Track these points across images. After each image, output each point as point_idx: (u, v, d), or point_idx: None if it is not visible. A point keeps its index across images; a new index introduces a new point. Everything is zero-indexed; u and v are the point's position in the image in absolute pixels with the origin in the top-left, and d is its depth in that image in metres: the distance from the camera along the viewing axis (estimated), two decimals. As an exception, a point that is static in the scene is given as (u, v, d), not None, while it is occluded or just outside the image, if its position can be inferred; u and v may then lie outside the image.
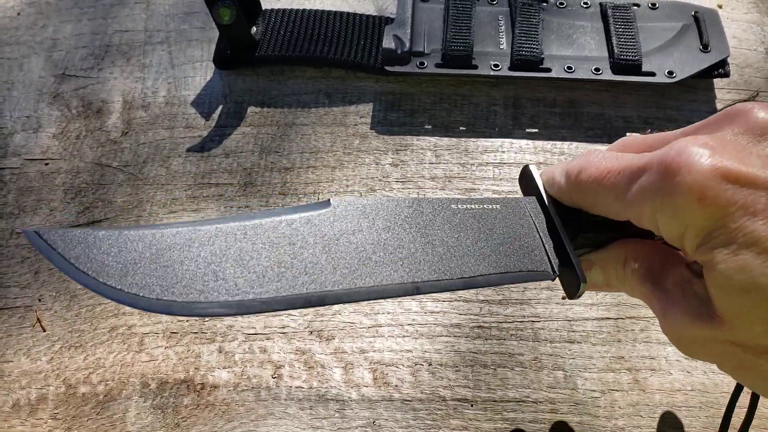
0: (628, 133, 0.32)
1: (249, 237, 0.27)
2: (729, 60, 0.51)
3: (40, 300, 0.46)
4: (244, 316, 0.42)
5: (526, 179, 0.33)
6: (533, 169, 0.33)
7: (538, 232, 0.31)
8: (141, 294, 0.25)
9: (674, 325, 0.26)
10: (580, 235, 0.31)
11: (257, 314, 0.40)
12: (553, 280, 0.30)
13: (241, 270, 0.26)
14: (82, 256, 0.25)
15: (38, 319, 0.45)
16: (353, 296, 0.26)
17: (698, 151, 0.23)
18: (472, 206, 0.30)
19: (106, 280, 0.25)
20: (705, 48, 0.50)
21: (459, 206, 0.30)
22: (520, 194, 0.34)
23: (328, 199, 0.29)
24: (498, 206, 0.31)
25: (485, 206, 0.31)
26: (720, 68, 0.50)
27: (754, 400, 0.35)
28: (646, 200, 0.25)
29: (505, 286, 0.44)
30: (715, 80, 0.52)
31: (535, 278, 0.30)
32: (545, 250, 0.30)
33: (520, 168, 0.49)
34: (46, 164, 0.51)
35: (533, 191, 0.33)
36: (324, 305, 0.26)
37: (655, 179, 0.24)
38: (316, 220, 0.28)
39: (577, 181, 0.28)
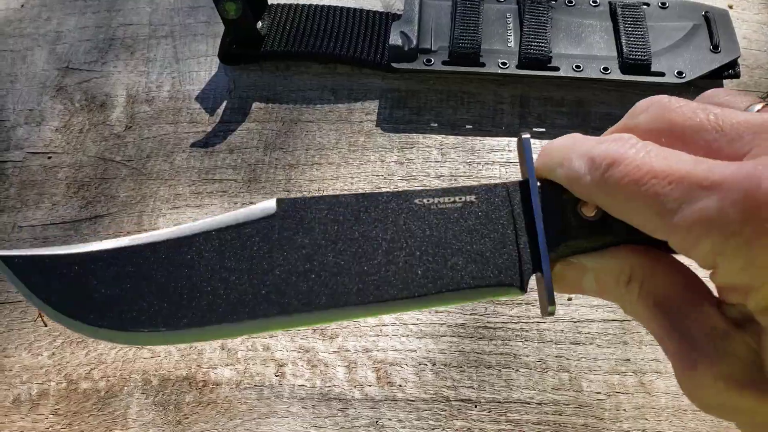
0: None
1: (188, 252, 0.24)
2: (739, 61, 0.50)
3: (41, 295, 0.45)
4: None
5: (521, 151, 0.27)
6: (527, 142, 0.26)
7: (515, 232, 0.25)
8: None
9: (702, 390, 0.20)
10: (563, 243, 0.25)
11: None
12: (522, 294, 0.25)
13: (155, 293, 0.23)
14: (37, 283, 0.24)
15: (40, 313, 0.45)
16: (290, 323, 0.24)
17: None
18: (441, 200, 0.26)
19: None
20: (715, 48, 0.50)
21: (424, 201, 0.26)
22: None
23: (273, 200, 0.25)
24: (473, 198, 0.26)
25: (457, 199, 0.26)
26: (730, 69, 0.50)
27: None
28: (707, 235, 0.19)
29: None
30: (725, 81, 0.51)
31: (501, 293, 0.25)
32: (519, 258, 0.25)
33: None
34: (49, 158, 0.51)
35: (524, 173, 0.27)
36: (232, 337, 0.24)
37: (730, 214, 0.18)
38: (260, 228, 0.25)
39: (606, 177, 0.21)
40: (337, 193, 0.48)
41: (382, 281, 0.24)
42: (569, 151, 0.23)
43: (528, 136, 0.26)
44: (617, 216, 0.22)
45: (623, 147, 0.21)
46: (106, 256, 0.24)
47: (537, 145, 0.50)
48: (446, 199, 0.26)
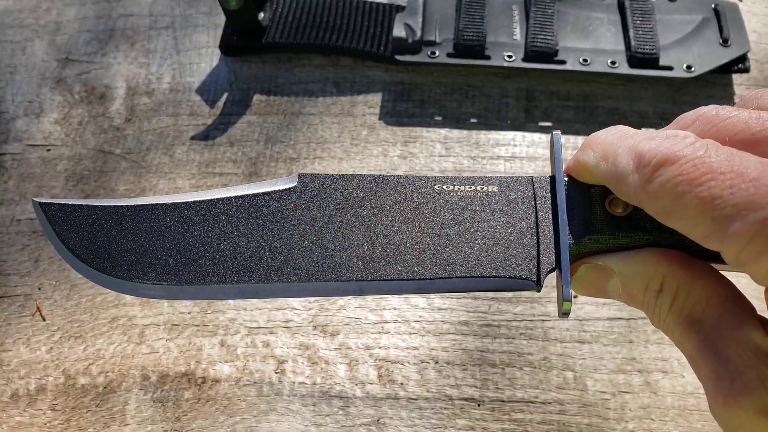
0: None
1: (206, 214, 0.25)
2: (749, 55, 0.49)
3: (39, 289, 0.45)
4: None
5: (551, 148, 0.26)
6: (557, 137, 0.25)
7: (537, 227, 0.24)
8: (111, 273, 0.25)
9: (742, 419, 0.18)
10: (585, 237, 0.23)
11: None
12: (538, 291, 0.24)
13: (191, 251, 0.25)
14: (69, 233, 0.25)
15: (38, 308, 0.44)
16: (287, 291, 0.25)
17: None
18: (462, 188, 0.25)
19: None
20: (725, 42, 0.49)
21: (444, 187, 0.25)
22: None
23: (296, 174, 0.26)
24: (495, 188, 0.25)
25: (478, 188, 0.25)
26: (740, 63, 0.49)
27: None
28: None
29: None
30: (734, 75, 0.51)
31: (515, 287, 0.24)
32: (539, 253, 0.24)
33: (532, 162, 0.48)
34: (48, 150, 0.50)
35: (553, 168, 0.25)
36: (258, 298, 0.25)
37: None
38: (277, 198, 0.25)
39: (655, 177, 0.19)
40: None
41: (390, 260, 0.24)
42: (616, 146, 0.21)
43: (558, 132, 0.26)
44: (665, 222, 0.20)
45: (679, 144, 0.19)
46: (129, 211, 0.25)
47: (545, 141, 0.49)
48: (467, 188, 0.25)
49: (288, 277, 0.24)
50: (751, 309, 0.19)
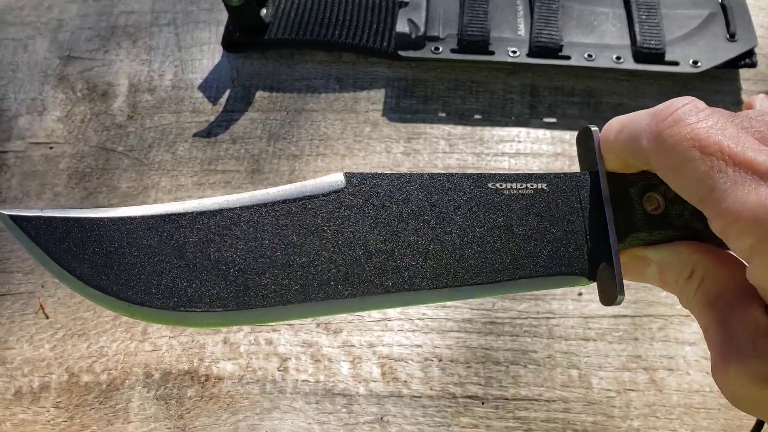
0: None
1: (248, 222, 0.22)
2: (756, 50, 0.49)
3: (43, 287, 0.45)
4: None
5: (583, 142, 0.27)
6: (596, 134, 0.26)
7: (585, 222, 0.25)
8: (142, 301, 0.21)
9: (734, 383, 0.20)
10: (630, 235, 0.26)
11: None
12: (589, 284, 0.26)
13: (216, 272, 0.21)
14: (66, 254, 0.21)
15: (41, 305, 0.44)
16: (363, 305, 0.22)
17: None
18: (514, 185, 0.25)
19: (101, 283, 0.21)
20: (732, 37, 0.48)
21: (497, 185, 0.25)
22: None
23: (341, 174, 0.24)
24: (545, 185, 0.25)
25: (529, 185, 0.25)
26: (747, 58, 0.48)
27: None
28: (751, 230, 0.19)
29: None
30: (741, 71, 0.50)
31: (571, 283, 0.25)
32: (587, 248, 0.25)
33: (537, 159, 0.47)
34: (51, 148, 0.50)
35: (589, 163, 0.26)
36: (326, 315, 0.22)
37: None
38: (328, 202, 0.23)
39: (668, 133, 0.21)
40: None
41: (456, 265, 0.23)
42: (633, 115, 0.23)
43: (596, 128, 0.26)
44: (667, 179, 0.22)
45: (692, 109, 0.21)
46: (142, 223, 0.21)
47: (549, 137, 0.48)
48: (519, 185, 0.25)
49: (358, 289, 0.22)
50: (757, 293, 0.21)
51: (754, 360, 0.20)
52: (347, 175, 0.24)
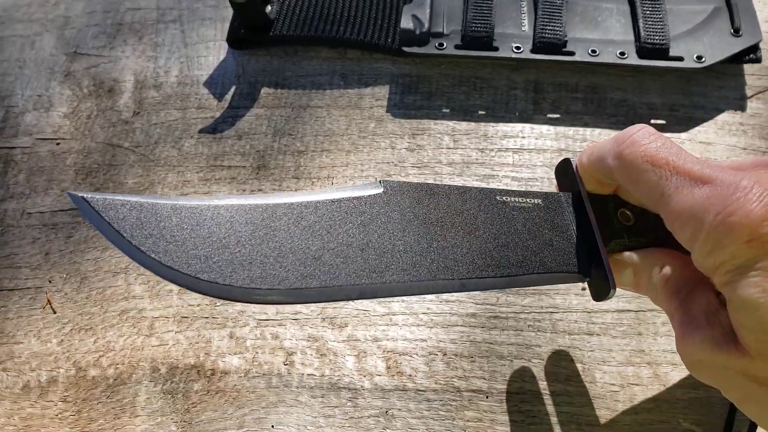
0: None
1: (294, 217, 0.26)
2: (761, 45, 0.49)
3: (50, 281, 0.45)
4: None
5: (563, 171, 0.33)
6: (574, 162, 0.32)
7: (574, 232, 0.30)
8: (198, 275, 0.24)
9: (692, 349, 0.26)
10: (612, 241, 0.30)
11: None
12: (584, 281, 0.30)
13: (290, 255, 0.25)
14: (138, 232, 0.23)
15: (49, 300, 0.44)
16: (404, 290, 0.26)
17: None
18: (516, 199, 0.30)
19: (167, 260, 0.24)
20: (736, 32, 0.48)
21: (504, 198, 0.30)
22: (541, 182, 0.33)
23: (379, 181, 0.28)
24: (539, 201, 0.31)
25: (528, 200, 0.30)
26: (751, 53, 0.48)
27: (753, 428, 0.36)
28: (688, 223, 0.25)
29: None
30: (746, 66, 0.50)
31: (567, 280, 0.30)
32: (579, 251, 0.30)
33: (540, 154, 0.47)
34: (58, 144, 0.50)
35: (571, 186, 0.32)
36: (375, 298, 0.26)
37: (701, 213, 0.24)
38: (366, 203, 0.27)
39: (626, 153, 0.27)
40: (352, 178, 0.47)
41: (476, 261, 0.28)
42: (601, 142, 0.30)
43: (574, 158, 0.32)
44: (629, 188, 0.28)
45: (645, 134, 0.28)
46: (202, 211, 0.24)
47: (553, 133, 0.48)
48: (521, 200, 0.30)
49: (400, 276, 0.26)
50: (709, 282, 0.26)
51: (707, 329, 0.25)
52: (384, 182, 0.28)
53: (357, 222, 0.26)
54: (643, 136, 0.27)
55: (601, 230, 0.30)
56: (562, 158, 0.33)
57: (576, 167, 0.32)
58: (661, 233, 0.29)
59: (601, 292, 0.30)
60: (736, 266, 0.23)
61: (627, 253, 0.31)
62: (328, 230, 0.26)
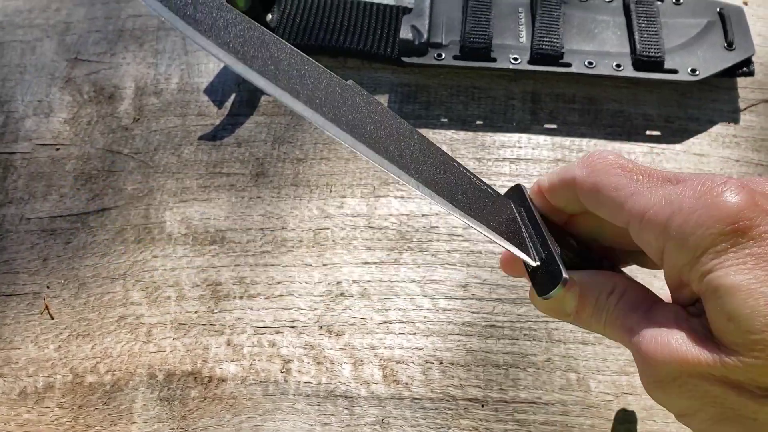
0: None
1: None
2: (753, 58, 0.49)
3: (48, 287, 0.45)
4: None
5: (515, 197, 0.33)
6: (527, 189, 0.32)
7: (522, 226, 0.30)
8: None
9: (663, 358, 0.24)
10: (561, 250, 0.29)
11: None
12: (531, 268, 0.29)
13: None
14: None
15: (46, 306, 0.45)
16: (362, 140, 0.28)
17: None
18: (471, 176, 0.30)
19: None
20: (730, 46, 0.49)
21: (461, 168, 0.30)
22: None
23: (350, 81, 0.28)
24: (491, 191, 0.31)
25: (481, 184, 0.31)
26: (744, 67, 0.49)
27: None
28: (655, 226, 0.25)
29: (505, 275, 0.41)
30: (739, 79, 0.51)
31: (517, 254, 0.28)
32: (529, 241, 0.29)
33: (537, 164, 0.48)
34: (57, 150, 0.51)
35: (522, 203, 0.32)
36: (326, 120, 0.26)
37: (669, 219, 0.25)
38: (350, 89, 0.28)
39: (598, 158, 0.28)
40: (350, 186, 0.47)
41: (428, 171, 0.28)
42: (566, 166, 0.30)
43: (524, 184, 0.33)
44: (593, 207, 0.28)
45: (611, 152, 0.29)
46: None
47: (550, 143, 0.49)
48: (473, 178, 0.30)
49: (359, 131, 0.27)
50: (675, 300, 0.27)
51: (679, 332, 0.24)
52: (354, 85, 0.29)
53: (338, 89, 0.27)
54: (609, 153, 0.28)
55: (550, 232, 0.30)
56: (514, 184, 0.33)
57: (529, 194, 0.32)
58: (606, 265, 0.30)
59: (546, 284, 0.28)
60: (717, 252, 0.23)
61: (572, 273, 0.28)
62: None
